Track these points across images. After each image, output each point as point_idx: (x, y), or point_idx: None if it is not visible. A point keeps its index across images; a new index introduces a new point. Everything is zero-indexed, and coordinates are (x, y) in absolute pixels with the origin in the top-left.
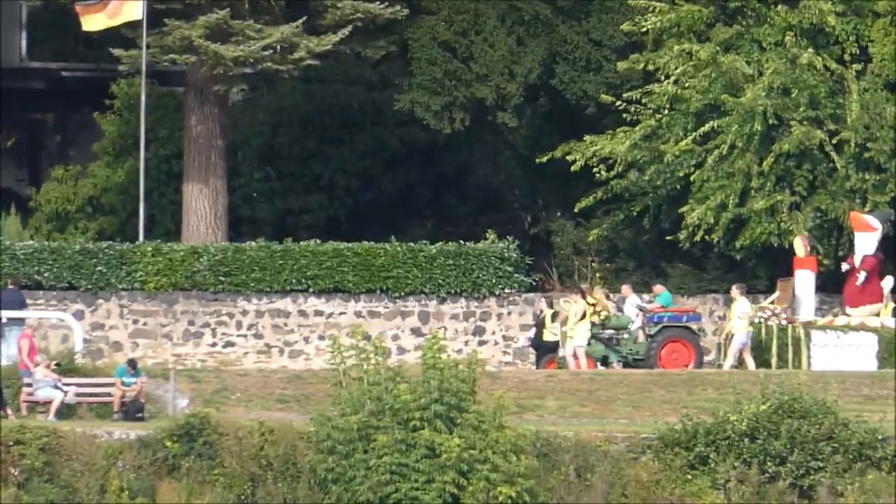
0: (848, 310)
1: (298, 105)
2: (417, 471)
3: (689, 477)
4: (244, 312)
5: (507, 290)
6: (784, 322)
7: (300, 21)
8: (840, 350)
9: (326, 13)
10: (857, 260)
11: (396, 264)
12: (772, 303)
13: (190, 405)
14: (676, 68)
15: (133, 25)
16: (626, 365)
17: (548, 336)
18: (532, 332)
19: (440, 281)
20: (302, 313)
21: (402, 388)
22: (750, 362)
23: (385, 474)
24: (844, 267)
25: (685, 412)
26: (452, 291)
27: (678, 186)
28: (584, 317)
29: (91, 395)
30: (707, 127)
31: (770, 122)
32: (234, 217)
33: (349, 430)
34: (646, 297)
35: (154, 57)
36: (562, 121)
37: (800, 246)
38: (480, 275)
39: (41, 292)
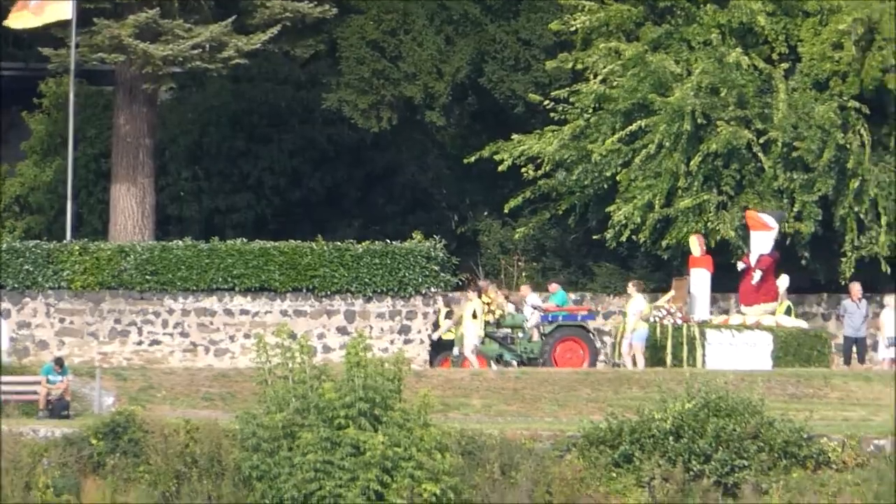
0: (743, 309)
1: (227, 104)
2: (342, 468)
3: (614, 475)
4: (170, 311)
5: (433, 290)
6: (679, 321)
7: (229, 20)
8: (735, 349)
9: (255, 12)
10: (752, 259)
11: (323, 263)
12: (667, 302)
13: (116, 403)
14: (605, 67)
15: (62, 24)
16: (520, 364)
17: (439, 333)
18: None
19: (366, 280)
20: (228, 312)
21: (327, 387)
22: (639, 361)
23: (309, 472)
24: (740, 266)
25: (610, 410)
26: (378, 290)
27: (605, 186)
28: (475, 315)
29: (17, 393)
30: (634, 126)
31: (698, 121)
32: (162, 216)
33: (274, 428)
34: (545, 295)
35: (83, 56)
36: (490, 120)
37: (695, 245)
38: (407, 274)
39: None
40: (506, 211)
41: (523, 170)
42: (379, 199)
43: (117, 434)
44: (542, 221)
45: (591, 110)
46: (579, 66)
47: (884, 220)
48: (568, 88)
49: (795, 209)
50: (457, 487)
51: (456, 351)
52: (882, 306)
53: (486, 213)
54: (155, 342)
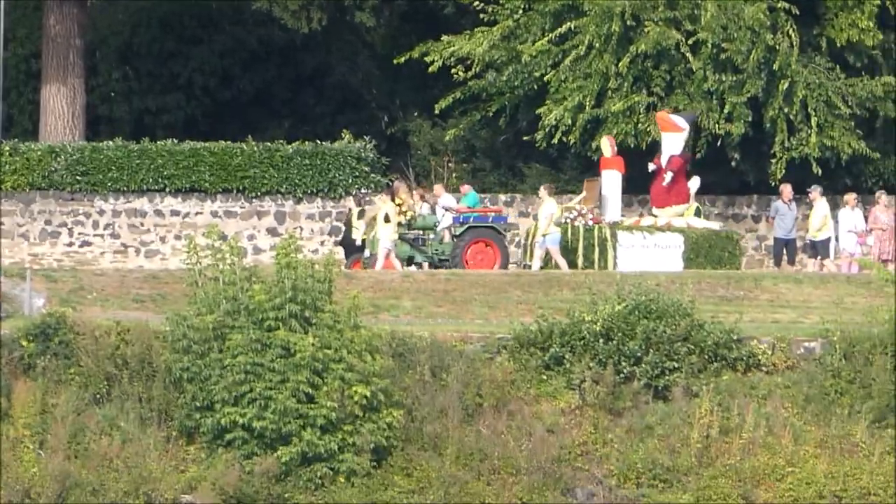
0: (655, 210)
1: (157, 5)
2: (272, 370)
3: (545, 377)
4: (101, 212)
5: (363, 190)
6: (590, 223)
7: None
8: (646, 251)
9: None
10: (663, 160)
11: (253, 164)
12: (578, 203)
13: (46, 305)
14: None
15: None
16: (431, 265)
17: (355, 235)
18: (341, 232)
19: (296, 181)
20: (158, 213)
21: (256, 289)
22: (562, 263)
23: (240, 374)
24: (651, 167)
25: (541, 312)
26: (309, 191)
27: (536, 87)
28: (388, 219)
29: None
30: (564, 28)
31: (628, 22)
32: (92, 116)
33: (204, 330)
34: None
35: None
36: (420, 20)
37: (606, 146)
38: (337, 175)
39: None
40: (436, 112)
41: (453, 71)
42: (309, 100)
43: (48, 336)
44: (473, 122)
45: (520, 11)
46: None
47: (814, 121)
48: None
49: (725, 110)
50: (387, 389)
51: (367, 253)
52: (811, 207)
53: (416, 114)
54: (86, 243)
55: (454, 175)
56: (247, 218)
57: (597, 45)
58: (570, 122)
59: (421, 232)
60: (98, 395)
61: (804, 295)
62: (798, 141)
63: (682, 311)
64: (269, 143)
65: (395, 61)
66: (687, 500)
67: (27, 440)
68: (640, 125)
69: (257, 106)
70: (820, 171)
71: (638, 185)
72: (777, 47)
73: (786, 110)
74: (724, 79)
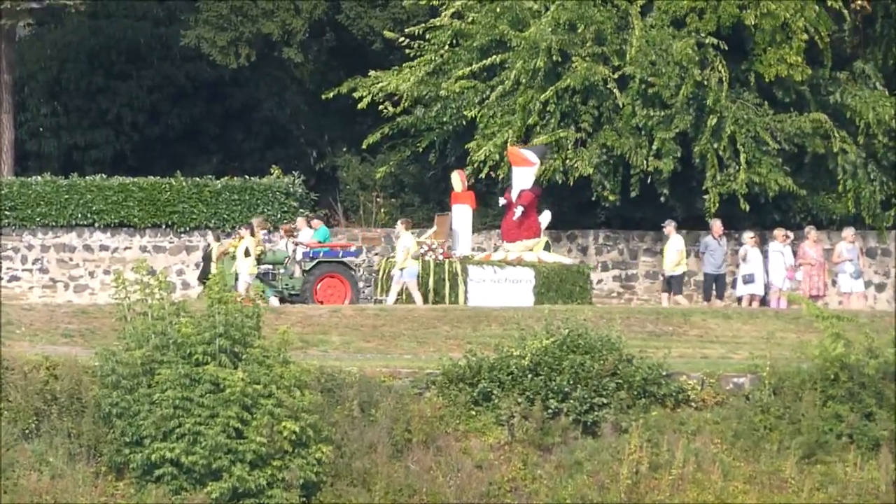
0: (505, 245)
1: (85, 40)
2: (201, 405)
3: (474, 413)
4: (29, 247)
5: (292, 225)
6: (441, 257)
7: None
8: (497, 285)
9: None
10: (514, 195)
11: (182, 199)
12: (430, 237)
13: None
14: (458, 2)
15: None
16: (282, 300)
17: (214, 270)
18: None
19: (225, 216)
20: (87, 248)
21: (184, 322)
22: (417, 297)
23: (169, 409)
24: (501, 202)
25: (469, 348)
26: (238, 226)
27: (464, 122)
28: (248, 253)
29: None
30: (489, 61)
31: (555, 58)
32: (21, 152)
33: (133, 365)
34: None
35: None
36: (348, 56)
37: (457, 180)
38: (266, 210)
39: None
40: (364, 147)
41: (381, 107)
42: (238, 135)
43: None
44: (402, 158)
45: (447, 46)
46: (436, 2)
47: (742, 156)
48: (424, 25)
49: (654, 146)
50: (316, 425)
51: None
52: (740, 243)
53: (344, 150)
54: (14, 278)
55: (383, 210)
56: (175, 253)
57: (523, 80)
58: (497, 157)
59: (271, 266)
60: (27, 431)
61: (733, 330)
62: (726, 176)
63: (611, 346)
64: (197, 179)
65: (323, 97)
66: None
67: None
68: (567, 161)
69: (186, 141)
70: (748, 207)
71: (567, 221)
72: (706, 82)
73: (715, 146)
74: (652, 114)
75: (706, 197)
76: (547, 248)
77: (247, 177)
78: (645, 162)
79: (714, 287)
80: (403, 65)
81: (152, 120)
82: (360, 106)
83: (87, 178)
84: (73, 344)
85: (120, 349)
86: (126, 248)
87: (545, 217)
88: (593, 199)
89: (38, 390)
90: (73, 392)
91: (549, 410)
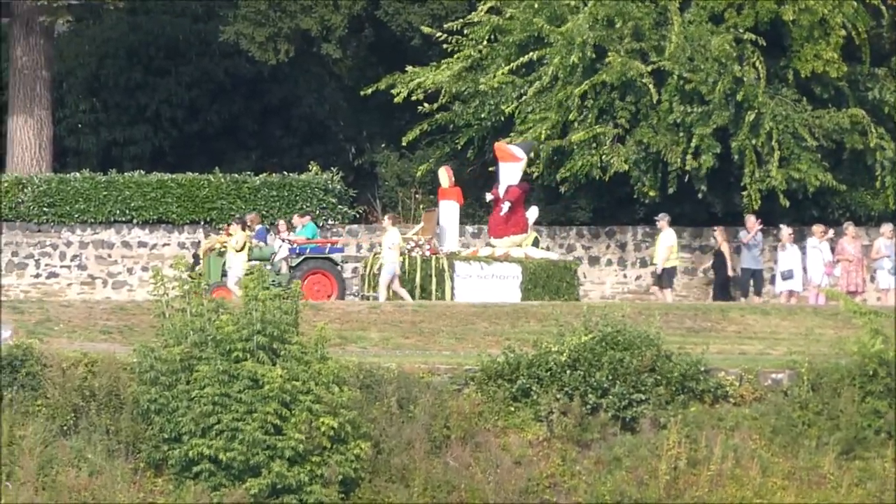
0: (492, 240)
1: (124, 36)
2: (240, 401)
3: (512, 409)
4: (68, 243)
5: (330, 222)
6: (427, 253)
7: None
8: (484, 281)
9: None
10: (501, 190)
11: (220, 195)
12: (416, 234)
13: (13, 336)
14: None
15: None
16: None
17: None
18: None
19: (264, 212)
20: (126, 244)
21: (224, 320)
22: (403, 294)
23: (207, 405)
24: (488, 197)
25: (508, 344)
26: (276, 222)
27: (502, 118)
28: (243, 248)
29: None
30: (526, 58)
31: (591, 53)
32: (60, 148)
33: (172, 362)
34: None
35: None
36: (387, 52)
37: (444, 176)
38: (304, 206)
39: None
40: (403, 144)
41: (418, 104)
42: (276, 132)
43: (15, 368)
44: (441, 155)
45: (485, 42)
46: None
47: (779, 153)
48: (462, 20)
49: (693, 143)
50: (355, 421)
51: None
52: (778, 239)
53: (383, 146)
54: (53, 275)
55: (422, 206)
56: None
57: (561, 75)
58: (534, 153)
59: (258, 262)
60: (65, 427)
61: (772, 326)
62: (765, 173)
63: (649, 343)
64: (236, 175)
65: (361, 93)
66: None
67: None
68: (604, 157)
69: (225, 137)
70: (787, 204)
71: (605, 217)
72: (743, 78)
73: (753, 142)
74: (689, 110)
75: (744, 193)
76: (535, 243)
77: (285, 173)
78: (681, 160)
79: (751, 282)
80: (441, 61)
81: (191, 116)
82: (396, 100)
83: (125, 174)
84: (112, 340)
85: (158, 346)
86: (164, 245)
87: (532, 213)
88: (633, 195)
89: (77, 387)
90: (112, 389)
91: (588, 406)
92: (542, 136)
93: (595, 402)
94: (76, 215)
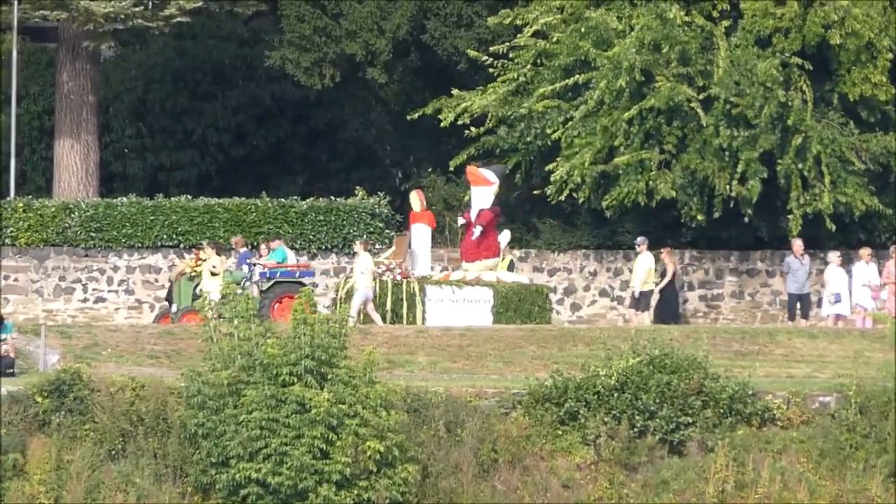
0: (464, 264)
1: (170, 61)
2: (287, 426)
3: (560, 432)
4: (115, 268)
5: (377, 246)
6: (398, 277)
7: None
8: (455, 305)
9: None
10: (473, 214)
11: (267, 220)
12: (387, 258)
13: (61, 361)
14: (543, 21)
15: None
16: None
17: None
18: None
19: (311, 237)
20: (173, 269)
21: (270, 343)
22: (376, 317)
23: (255, 429)
24: (460, 221)
25: (555, 367)
26: (323, 247)
27: (549, 143)
28: (215, 272)
29: None
30: (572, 81)
31: (637, 77)
32: (106, 173)
33: (219, 386)
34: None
35: (25, 12)
36: (433, 76)
37: (416, 200)
38: (351, 230)
39: None
40: (450, 168)
41: (464, 128)
42: (322, 156)
43: (62, 392)
44: None
45: (530, 65)
46: (520, 22)
47: (828, 177)
48: (507, 44)
49: (739, 168)
50: (402, 445)
51: (174, 308)
52: (826, 263)
53: (430, 170)
54: (100, 299)
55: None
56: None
57: (607, 100)
58: (579, 178)
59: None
60: (113, 452)
61: (819, 349)
62: (812, 196)
63: (697, 366)
64: (283, 200)
65: (408, 117)
66: None
67: (42, 496)
68: (650, 182)
69: (271, 162)
70: (834, 227)
71: (652, 241)
72: (790, 103)
73: (799, 166)
74: (736, 134)
75: (790, 217)
76: (511, 267)
77: (332, 198)
78: (728, 187)
79: (798, 306)
80: (488, 85)
81: (237, 140)
82: (442, 124)
83: (172, 199)
84: (159, 365)
85: (206, 370)
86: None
87: (505, 236)
88: (679, 219)
89: (125, 411)
90: (159, 413)
91: (636, 429)
92: (588, 162)
93: (642, 424)
94: (123, 240)
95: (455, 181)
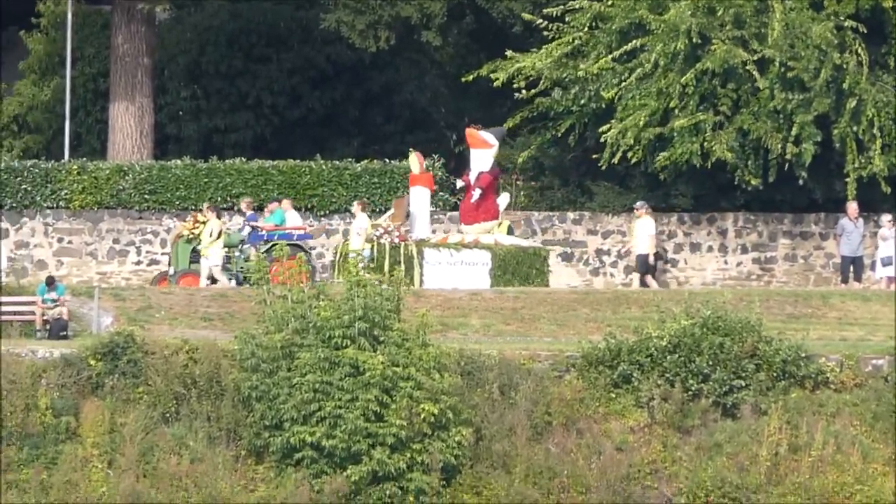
0: (463, 227)
1: (225, 23)
2: (341, 388)
3: (613, 395)
4: (169, 230)
5: (431, 208)
6: (396, 240)
7: None
8: (453, 268)
9: None
10: (472, 177)
11: (322, 182)
12: (386, 220)
13: (114, 323)
14: None
15: None
16: (238, 283)
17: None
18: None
19: (365, 199)
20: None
21: (324, 306)
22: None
23: (308, 392)
24: (459, 184)
25: (609, 330)
26: (377, 209)
27: (603, 105)
28: (219, 235)
29: (15, 313)
30: (630, 45)
31: (694, 40)
32: (161, 135)
33: (273, 349)
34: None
35: None
36: (487, 39)
37: (415, 162)
38: (405, 193)
39: None
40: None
41: (516, 89)
42: (377, 118)
43: (116, 355)
44: (542, 141)
45: (585, 28)
46: None
47: (878, 141)
48: (562, 6)
49: (793, 131)
50: (456, 407)
51: (171, 270)
52: (879, 226)
53: None
54: (153, 262)
55: (522, 193)
56: (315, 236)
57: (662, 63)
58: (632, 140)
59: (226, 249)
60: (167, 414)
61: (872, 312)
62: (866, 160)
63: (750, 328)
64: (337, 162)
65: (462, 80)
66: None
67: (96, 459)
68: (705, 144)
69: (326, 124)
70: (889, 190)
71: (706, 204)
72: (845, 66)
73: (854, 129)
74: (791, 97)
75: (846, 181)
76: (510, 231)
77: (386, 160)
78: (782, 147)
79: (851, 269)
80: (542, 47)
81: (292, 103)
82: (495, 86)
83: (226, 161)
84: (213, 328)
85: (259, 333)
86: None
87: (503, 199)
88: (733, 182)
89: (178, 374)
90: (213, 376)
91: (689, 392)
92: (642, 123)
93: (696, 387)
94: (177, 202)
95: (510, 143)
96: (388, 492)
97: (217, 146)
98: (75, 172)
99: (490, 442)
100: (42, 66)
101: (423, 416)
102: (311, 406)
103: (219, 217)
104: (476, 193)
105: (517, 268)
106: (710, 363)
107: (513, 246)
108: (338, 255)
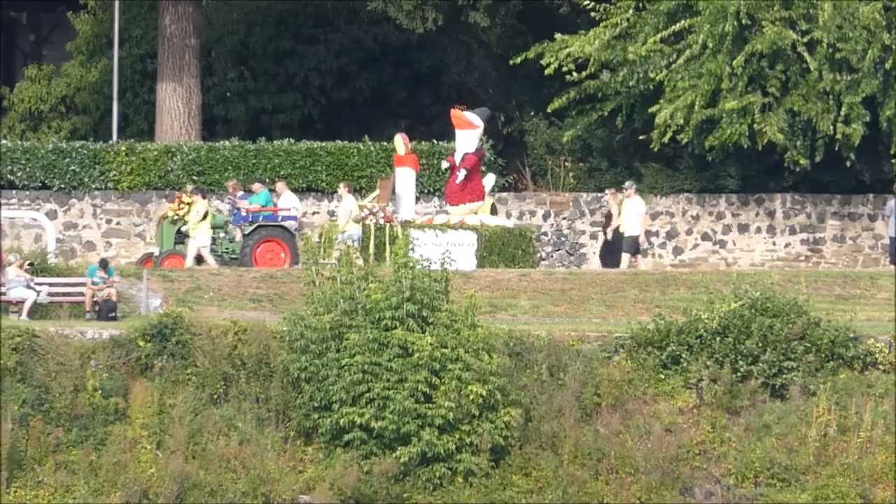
0: (448, 208)
1: (273, 4)
2: (390, 370)
3: (662, 376)
4: (218, 211)
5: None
6: (382, 221)
7: None
8: (439, 249)
9: None
10: (457, 158)
11: (370, 163)
12: (371, 201)
13: (163, 305)
14: None
15: None
16: (222, 264)
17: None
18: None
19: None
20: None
21: (373, 288)
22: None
23: (357, 373)
24: (444, 165)
25: (658, 311)
26: (425, 190)
27: (651, 87)
28: (205, 216)
29: (64, 294)
30: (678, 26)
31: (743, 21)
32: (209, 116)
33: (322, 330)
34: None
35: None
36: (535, 20)
37: (400, 143)
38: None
39: (14, 192)
40: (550, 111)
41: (565, 72)
42: (425, 99)
43: (165, 336)
44: (590, 122)
45: (633, 10)
46: None
47: None
48: None
49: (842, 112)
50: (504, 388)
51: (157, 251)
52: None
53: (532, 114)
54: None
55: (570, 174)
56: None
57: (711, 44)
58: (682, 121)
59: (212, 230)
60: (215, 396)
61: None
62: None
63: (798, 310)
64: (385, 143)
65: (510, 62)
66: (805, 500)
67: (145, 441)
68: (755, 125)
69: (374, 105)
70: None
71: (754, 185)
72: (893, 46)
73: None
74: (839, 78)
75: (894, 162)
76: (493, 211)
77: (434, 141)
78: (832, 127)
79: None
80: (590, 29)
81: (340, 84)
82: (546, 72)
83: (274, 142)
84: (261, 309)
85: (308, 314)
86: (314, 213)
87: (489, 180)
88: (781, 163)
89: (226, 355)
90: (262, 357)
91: (738, 374)
92: (693, 104)
93: (745, 369)
94: (225, 183)
95: (558, 125)
96: (437, 473)
97: (264, 127)
98: (123, 153)
99: (539, 423)
100: (90, 47)
101: (471, 397)
102: (360, 387)
103: (204, 198)
104: (461, 174)
105: (503, 248)
106: (760, 345)
107: (498, 227)
108: (322, 236)
